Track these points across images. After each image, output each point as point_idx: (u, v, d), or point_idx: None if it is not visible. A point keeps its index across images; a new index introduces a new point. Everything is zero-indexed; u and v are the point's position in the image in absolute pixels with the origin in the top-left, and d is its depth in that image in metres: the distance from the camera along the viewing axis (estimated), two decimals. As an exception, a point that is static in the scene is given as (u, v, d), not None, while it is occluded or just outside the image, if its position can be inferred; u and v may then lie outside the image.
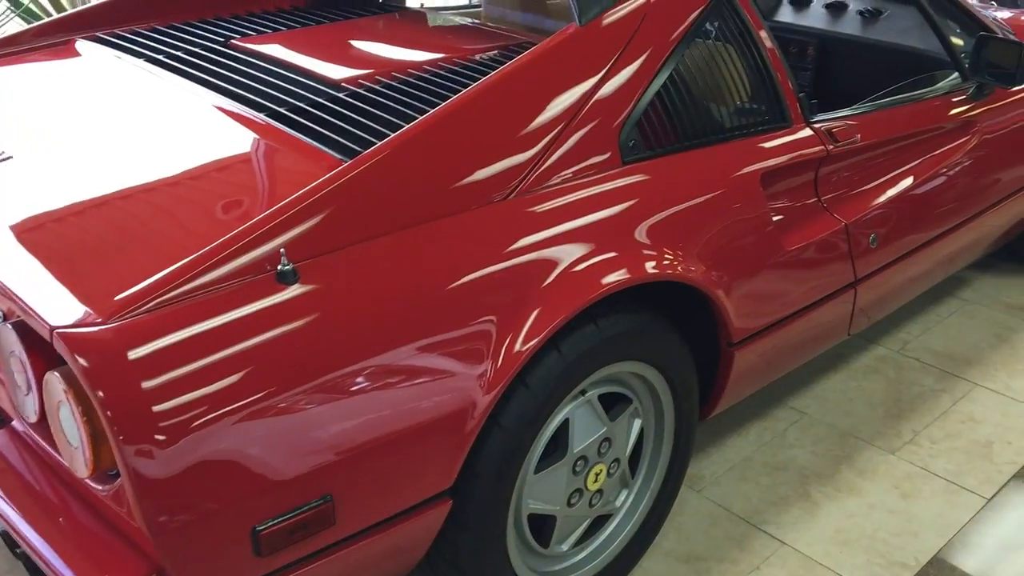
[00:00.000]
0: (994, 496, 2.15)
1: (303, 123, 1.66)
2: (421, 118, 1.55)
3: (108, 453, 1.23)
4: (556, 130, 1.65)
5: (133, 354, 1.19)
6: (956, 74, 2.51)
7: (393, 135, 1.51)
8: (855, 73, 3.01)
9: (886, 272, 2.28)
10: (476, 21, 2.37)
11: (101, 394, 1.16)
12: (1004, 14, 3.16)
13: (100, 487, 1.31)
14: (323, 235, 1.38)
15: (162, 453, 1.18)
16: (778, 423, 2.40)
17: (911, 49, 2.84)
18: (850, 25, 3.05)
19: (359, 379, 1.34)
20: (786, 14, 3.19)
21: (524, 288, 1.51)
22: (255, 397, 1.24)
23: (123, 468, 1.18)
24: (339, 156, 1.54)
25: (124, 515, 1.28)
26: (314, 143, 1.59)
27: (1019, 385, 2.55)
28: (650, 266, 1.67)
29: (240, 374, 1.24)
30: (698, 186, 1.80)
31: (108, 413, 1.16)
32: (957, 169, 2.43)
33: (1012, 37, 2.78)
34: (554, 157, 1.64)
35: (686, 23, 1.87)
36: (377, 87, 1.81)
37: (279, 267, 1.31)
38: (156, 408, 1.18)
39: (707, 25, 1.91)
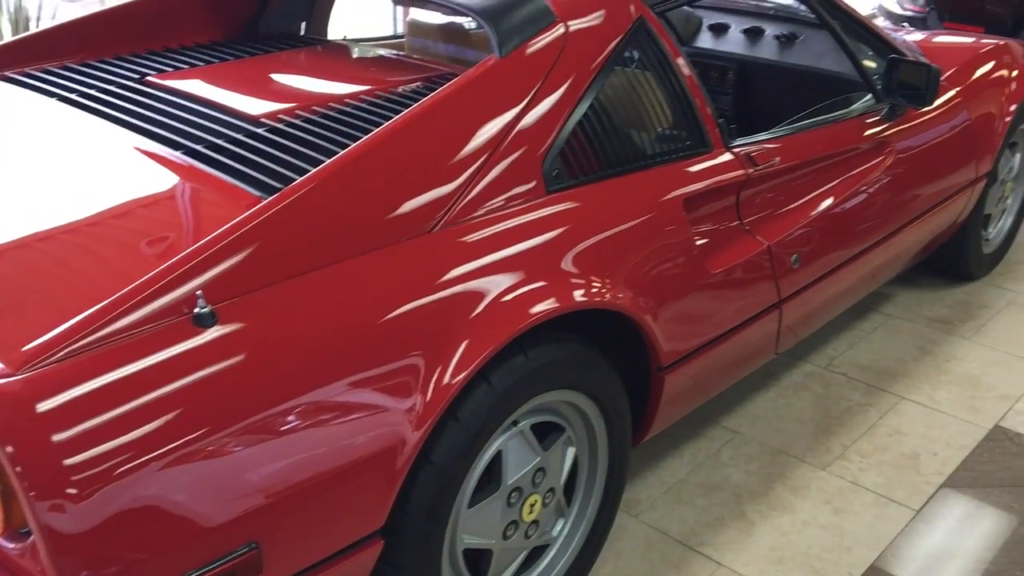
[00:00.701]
0: (923, 507, 2.19)
1: (221, 160, 1.63)
2: (342, 153, 1.53)
3: (20, 511, 1.18)
4: (479, 161, 1.65)
5: (43, 406, 1.14)
6: (870, 96, 2.58)
7: (314, 170, 1.50)
8: (774, 96, 3.08)
9: (810, 291, 2.32)
10: (399, 52, 2.36)
11: (10, 449, 1.12)
12: (916, 36, 3.26)
13: (12, 546, 1.26)
14: (243, 275, 1.35)
15: (76, 508, 1.13)
16: (712, 443, 2.42)
17: (826, 72, 2.92)
18: (767, 50, 3.13)
19: (282, 420, 1.31)
20: (706, 40, 3.26)
21: (452, 321, 1.50)
22: (172, 445, 1.21)
23: (35, 526, 1.13)
24: (258, 193, 1.52)
25: (38, 575, 1.23)
26: (232, 180, 1.57)
27: (942, 397, 2.62)
28: (578, 294, 1.68)
29: (157, 422, 1.20)
30: (622, 213, 1.81)
31: (18, 469, 1.12)
32: (874, 188, 2.50)
33: (923, 59, 2.88)
34: (478, 188, 1.64)
35: (605, 53, 1.89)
36: (297, 121, 1.79)
37: (196, 310, 1.28)
38: (69, 461, 1.13)
39: (626, 54, 1.94)
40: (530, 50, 1.78)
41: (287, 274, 1.40)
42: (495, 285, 1.58)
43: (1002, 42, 3.20)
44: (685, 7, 3.22)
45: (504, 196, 1.68)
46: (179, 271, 1.29)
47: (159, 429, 1.20)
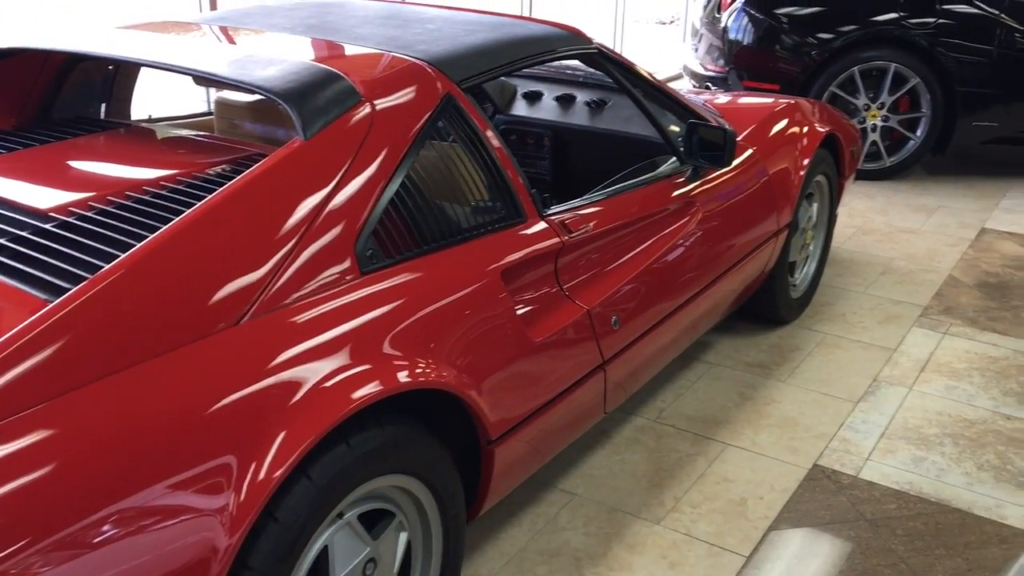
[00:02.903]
0: (753, 553, 2.26)
1: (3, 262, 1.52)
2: (138, 246, 1.46)
3: None
4: (287, 247, 1.61)
5: None
6: (675, 158, 2.70)
7: (107, 267, 1.42)
8: (588, 160, 3.19)
9: (632, 349, 2.38)
10: (207, 133, 2.30)
11: None
12: (724, 99, 3.46)
13: None
14: (29, 388, 1.26)
15: None
16: (550, 508, 2.42)
17: (635, 135, 3.05)
18: (579, 116, 3.24)
19: (83, 537, 1.22)
20: (521, 108, 3.35)
21: (266, 415, 1.45)
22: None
23: None
24: (44, 296, 1.42)
25: None
26: (16, 283, 1.46)
27: (763, 440, 2.73)
28: (401, 375, 1.65)
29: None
30: (441, 289, 1.81)
31: None
32: (685, 245, 2.61)
33: (722, 121, 3.05)
34: (288, 274, 1.60)
35: (414, 130, 1.90)
36: (91, 214, 1.69)
37: (-29, 432, 1.17)
38: None
39: (435, 130, 1.95)
40: (336, 131, 1.76)
41: (80, 381, 1.31)
42: (312, 373, 1.53)
43: (792, 101, 3.44)
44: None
45: (316, 281, 1.64)
46: (-50, 391, 1.18)
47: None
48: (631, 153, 3.00)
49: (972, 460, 2.64)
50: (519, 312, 1.98)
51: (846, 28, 4.85)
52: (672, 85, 7.00)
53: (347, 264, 1.69)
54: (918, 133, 4.95)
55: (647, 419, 2.84)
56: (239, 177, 1.63)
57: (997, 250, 4.19)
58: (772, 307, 3.35)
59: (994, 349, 3.29)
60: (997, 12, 4.79)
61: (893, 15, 4.80)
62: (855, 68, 4.87)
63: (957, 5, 4.83)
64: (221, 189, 1.60)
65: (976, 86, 4.83)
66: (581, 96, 3.28)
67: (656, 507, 2.43)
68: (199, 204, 1.56)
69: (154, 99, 3.00)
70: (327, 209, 1.68)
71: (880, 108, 4.93)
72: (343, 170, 1.74)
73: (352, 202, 1.73)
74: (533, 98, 3.34)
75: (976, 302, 3.66)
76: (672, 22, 10.87)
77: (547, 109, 3.31)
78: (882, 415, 2.87)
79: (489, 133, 2.08)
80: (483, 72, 2.15)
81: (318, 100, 1.78)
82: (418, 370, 1.69)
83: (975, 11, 4.81)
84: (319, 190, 1.69)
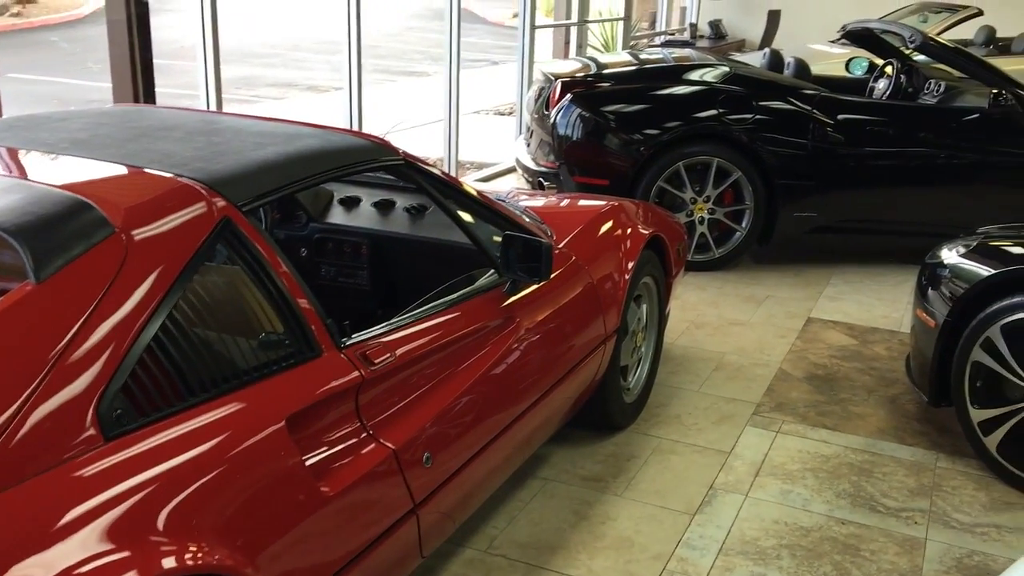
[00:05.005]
0: None
1: None
2: None
3: None
4: (6, 415, 1.34)
5: None
6: (493, 271, 2.55)
7: None
8: (410, 269, 3.02)
9: (451, 484, 2.18)
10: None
11: None
12: (535, 202, 3.37)
13: None
14: None
15: None
16: (365, 669, 2.15)
17: (456, 244, 2.90)
18: (399, 223, 3.08)
19: None
20: (338, 215, 3.16)
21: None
22: None
23: None
24: None
25: None
26: None
27: (599, 566, 2.57)
28: (163, 562, 1.39)
29: None
30: (209, 451, 1.56)
31: None
32: (508, 363, 2.45)
33: (544, 228, 2.95)
34: (7, 449, 1.32)
35: (180, 263, 1.67)
36: None
37: None
38: None
39: (205, 263, 1.73)
40: (77, 271, 1.52)
41: None
42: (40, 570, 1.25)
43: (616, 203, 3.39)
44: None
45: (45, 454, 1.37)
46: None
47: None
48: (454, 262, 2.84)
49: (810, 574, 2.55)
50: (311, 462, 1.75)
51: (670, 124, 4.94)
52: (506, 179, 7.01)
53: (87, 429, 1.43)
54: (743, 224, 5.05)
55: (477, 550, 2.63)
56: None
57: (823, 340, 4.25)
58: (606, 414, 3.22)
59: (825, 447, 3.27)
60: (809, 108, 4.99)
61: (713, 111, 4.93)
62: (680, 163, 4.95)
63: (772, 101, 5.01)
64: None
65: (794, 178, 4.99)
66: (401, 201, 3.12)
67: (483, 658, 2.20)
68: None
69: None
70: (61, 365, 1.42)
71: (706, 201, 5.01)
72: (84, 317, 1.48)
73: (94, 354, 1.47)
74: (350, 204, 3.16)
75: (806, 396, 3.67)
76: (511, 113, 11.01)
77: (365, 216, 3.13)
78: (719, 528, 2.76)
79: (277, 260, 1.87)
80: (270, 192, 1.95)
81: (56, 235, 1.53)
82: (187, 553, 1.43)
83: (789, 107, 5.00)
84: (52, 343, 1.43)
